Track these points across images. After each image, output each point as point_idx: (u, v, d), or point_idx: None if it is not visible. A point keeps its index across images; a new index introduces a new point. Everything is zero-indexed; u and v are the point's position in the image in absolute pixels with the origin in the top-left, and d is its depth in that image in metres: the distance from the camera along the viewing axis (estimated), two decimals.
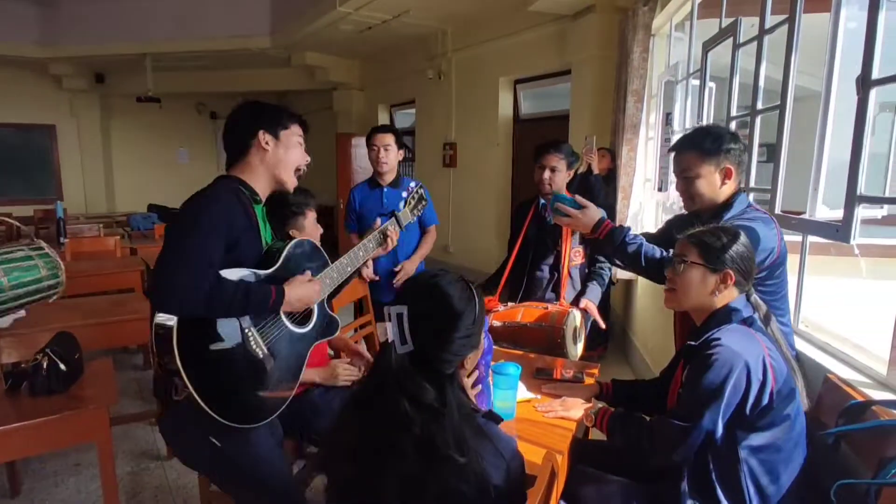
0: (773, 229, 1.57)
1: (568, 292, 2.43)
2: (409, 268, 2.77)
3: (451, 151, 6.61)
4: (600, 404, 1.53)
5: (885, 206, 2.09)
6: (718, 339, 1.30)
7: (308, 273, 1.51)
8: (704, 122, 3.15)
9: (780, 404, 1.29)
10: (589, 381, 1.82)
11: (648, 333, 3.62)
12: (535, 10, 4.68)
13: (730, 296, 1.39)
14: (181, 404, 1.31)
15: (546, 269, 2.48)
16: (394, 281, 2.74)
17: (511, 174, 6.11)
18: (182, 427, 1.42)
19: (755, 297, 1.45)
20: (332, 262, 1.62)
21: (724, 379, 1.25)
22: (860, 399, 1.38)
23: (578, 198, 1.74)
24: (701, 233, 1.41)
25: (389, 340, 1.02)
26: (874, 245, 2.80)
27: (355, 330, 2.65)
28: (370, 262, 2.72)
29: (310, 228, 1.95)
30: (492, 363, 1.58)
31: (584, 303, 2.35)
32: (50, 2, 7.25)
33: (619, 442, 1.44)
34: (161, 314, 1.25)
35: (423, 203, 1.93)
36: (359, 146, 7.98)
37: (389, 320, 1.00)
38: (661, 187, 4.17)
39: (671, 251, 1.53)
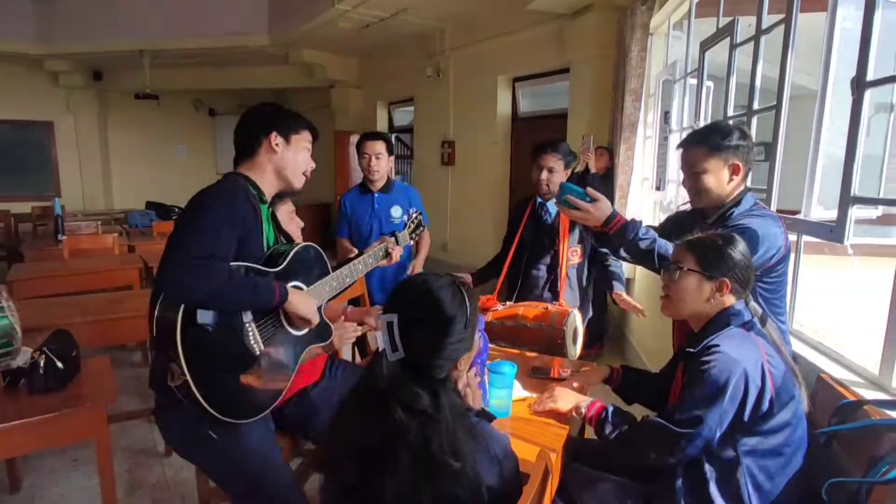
0: (779, 226, 1.58)
1: (566, 292, 2.44)
2: (417, 263, 2.81)
3: (450, 150, 6.61)
4: (589, 399, 1.52)
5: (880, 207, 2.09)
6: (717, 345, 1.29)
7: (307, 291, 1.53)
8: (702, 122, 3.16)
9: (779, 410, 1.28)
10: (601, 371, 1.83)
11: (645, 333, 3.64)
12: (534, 9, 4.68)
13: (726, 303, 1.38)
14: (176, 398, 1.30)
15: (543, 268, 2.49)
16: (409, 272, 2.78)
17: (509, 172, 6.11)
18: (178, 419, 1.42)
19: (754, 302, 1.44)
20: (333, 271, 1.63)
21: (723, 386, 1.25)
22: (852, 398, 1.39)
23: (591, 190, 1.61)
24: (698, 239, 1.40)
25: (380, 349, 1.01)
26: (868, 244, 2.81)
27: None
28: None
29: (285, 221, 1.96)
30: (487, 362, 1.59)
31: (618, 294, 2.41)
32: None
33: (610, 438, 1.43)
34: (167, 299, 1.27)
35: (422, 229, 2.03)
36: (355, 150, 7.96)
37: (379, 329, 1.00)
38: (659, 186, 4.18)
39: None
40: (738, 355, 1.27)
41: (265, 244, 1.48)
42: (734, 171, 1.61)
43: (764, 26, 2.32)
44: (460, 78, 6.35)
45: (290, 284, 1.46)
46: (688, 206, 1.82)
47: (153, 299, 1.32)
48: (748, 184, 2.36)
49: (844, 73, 1.74)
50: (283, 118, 1.53)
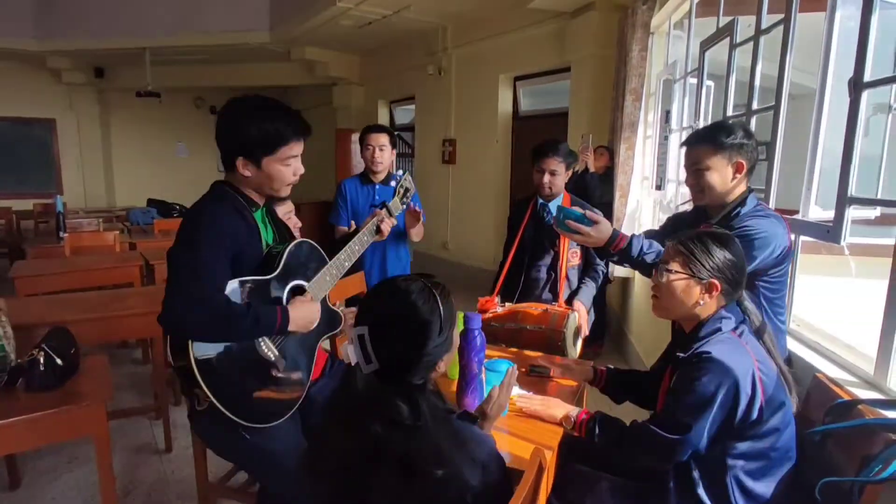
0: (783, 226, 1.58)
1: (566, 294, 2.44)
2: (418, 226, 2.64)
3: (451, 148, 6.61)
4: (578, 409, 1.52)
5: (878, 207, 2.09)
6: (708, 353, 1.28)
7: (308, 295, 1.52)
8: (702, 121, 3.16)
9: (769, 416, 1.28)
10: (586, 365, 1.84)
11: (645, 331, 3.64)
12: (535, 8, 4.68)
13: (717, 305, 1.37)
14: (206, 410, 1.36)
15: (543, 269, 2.49)
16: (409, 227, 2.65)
17: (510, 171, 6.12)
18: (213, 425, 1.45)
19: (748, 303, 1.42)
20: (330, 260, 1.63)
21: (713, 395, 1.24)
22: (847, 398, 1.40)
23: (589, 213, 1.65)
24: (688, 238, 1.37)
25: (353, 363, 0.99)
26: (865, 245, 2.81)
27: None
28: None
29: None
30: (485, 360, 1.60)
31: (576, 304, 2.37)
32: None
33: (598, 444, 1.44)
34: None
35: (411, 192, 1.94)
36: (358, 142, 7.96)
37: (351, 343, 0.98)
38: (660, 186, 4.18)
39: None
40: (730, 364, 1.25)
41: (263, 247, 1.48)
42: (738, 169, 1.61)
43: (763, 26, 2.32)
44: (461, 76, 6.35)
45: (290, 284, 1.48)
46: (688, 206, 1.83)
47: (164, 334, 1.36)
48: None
49: (846, 72, 1.74)
50: (250, 140, 1.36)
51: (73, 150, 9.50)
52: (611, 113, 4.33)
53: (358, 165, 8.16)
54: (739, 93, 2.71)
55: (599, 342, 4.03)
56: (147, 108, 9.56)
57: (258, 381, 1.41)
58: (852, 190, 1.65)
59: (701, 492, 1.31)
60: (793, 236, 2.04)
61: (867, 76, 1.61)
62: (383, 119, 8.28)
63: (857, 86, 1.62)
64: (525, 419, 1.55)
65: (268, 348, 1.43)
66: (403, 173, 1.96)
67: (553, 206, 2.46)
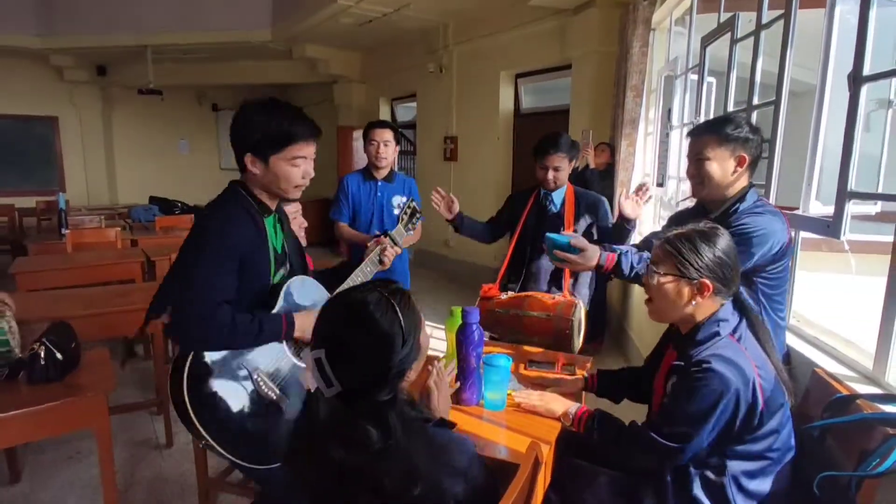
0: (782, 222, 1.57)
1: (570, 284, 2.43)
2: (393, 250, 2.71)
3: (452, 145, 6.61)
4: (577, 405, 1.52)
5: (879, 203, 2.09)
6: (709, 363, 1.24)
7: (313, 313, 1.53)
8: (703, 117, 3.15)
9: (768, 420, 1.27)
10: (580, 373, 1.84)
11: (645, 327, 3.64)
12: (536, 5, 4.68)
13: (711, 305, 1.33)
14: None
15: (546, 259, 2.48)
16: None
17: (511, 168, 6.11)
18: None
19: (744, 297, 1.40)
20: (333, 292, 1.60)
21: (713, 407, 1.22)
22: (846, 393, 1.40)
23: (574, 240, 1.69)
24: (676, 238, 1.34)
25: (313, 390, 0.94)
26: (864, 242, 2.81)
27: None
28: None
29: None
30: (483, 354, 1.60)
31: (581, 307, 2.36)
32: None
33: (596, 442, 1.43)
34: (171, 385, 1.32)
35: (417, 216, 1.91)
36: (360, 139, 7.94)
37: (309, 367, 0.92)
38: (661, 182, 4.18)
39: None
40: (731, 376, 1.22)
41: (270, 253, 1.48)
42: (739, 162, 1.61)
43: (764, 21, 2.32)
44: (463, 74, 6.35)
45: (298, 312, 1.48)
46: (687, 203, 1.83)
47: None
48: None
49: (847, 67, 1.73)
50: (259, 136, 1.38)
51: (76, 148, 9.52)
52: (612, 110, 4.32)
53: (359, 163, 8.17)
54: (740, 89, 2.70)
55: (599, 339, 4.03)
56: (149, 106, 9.59)
57: (260, 419, 1.40)
58: (852, 184, 1.65)
59: (698, 490, 1.30)
60: (793, 233, 2.04)
61: (866, 70, 1.60)
62: (384, 116, 8.27)
63: (856, 80, 1.62)
64: (523, 414, 1.56)
65: (268, 388, 1.41)
66: (409, 199, 1.93)
67: (557, 196, 2.46)
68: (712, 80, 3.27)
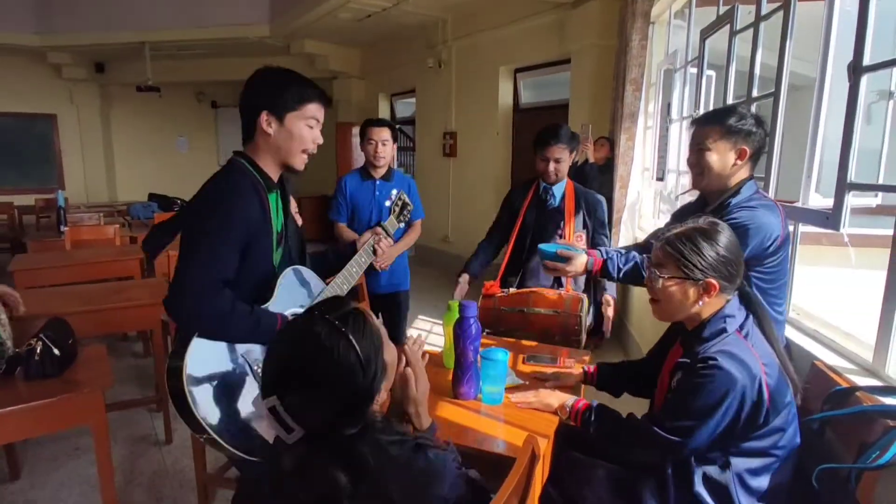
0: (777, 216, 1.56)
1: (571, 280, 2.40)
2: (390, 252, 2.61)
3: (452, 141, 6.59)
4: (573, 398, 1.51)
5: (880, 195, 2.08)
6: (715, 360, 1.22)
7: None
8: (702, 110, 3.14)
9: (774, 418, 1.26)
10: (578, 367, 1.83)
11: (645, 324, 3.63)
12: None
13: (718, 302, 1.31)
14: None
15: None
16: (378, 264, 2.65)
17: (511, 163, 6.10)
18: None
19: (750, 290, 1.39)
20: (329, 283, 1.59)
21: (718, 404, 1.21)
22: (845, 385, 1.39)
23: (560, 251, 1.79)
24: (676, 238, 1.31)
25: (272, 442, 0.88)
26: (864, 235, 2.80)
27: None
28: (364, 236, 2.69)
29: None
30: (481, 349, 1.59)
31: (607, 298, 2.33)
32: None
33: (594, 436, 1.43)
34: (168, 384, 1.28)
35: (409, 208, 1.91)
36: (358, 135, 7.94)
37: (264, 418, 0.86)
38: (661, 177, 4.17)
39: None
40: (737, 374, 1.21)
41: (273, 235, 1.44)
42: (740, 155, 1.59)
43: (763, 12, 2.30)
44: (462, 69, 6.33)
45: (288, 312, 1.45)
46: (687, 197, 1.82)
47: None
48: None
49: (847, 60, 1.72)
50: (277, 92, 1.38)
51: (75, 146, 9.50)
52: (611, 103, 4.30)
53: (359, 159, 8.15)
54: (740, 82, 2.69)
55: (599, 334, 4.01)
56: (148, 103, 9.56)
57: (260, 411, 1.35)
58: (852, 176, 1.64)
59: (699, 486, 1.29)
60: (791, 226, 2.03)
61: (866, 60, 1.58)
62: (384, 112, 8.26)
63: (856, 70, 1.61)
64: (522, 409, 1.55)
65: None
66: (398, 192, 1.94)
67: (558, 190, 2.44)
68: (712, 73, 3.25)
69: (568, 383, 1.71)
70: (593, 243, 2.47)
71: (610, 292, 2.35)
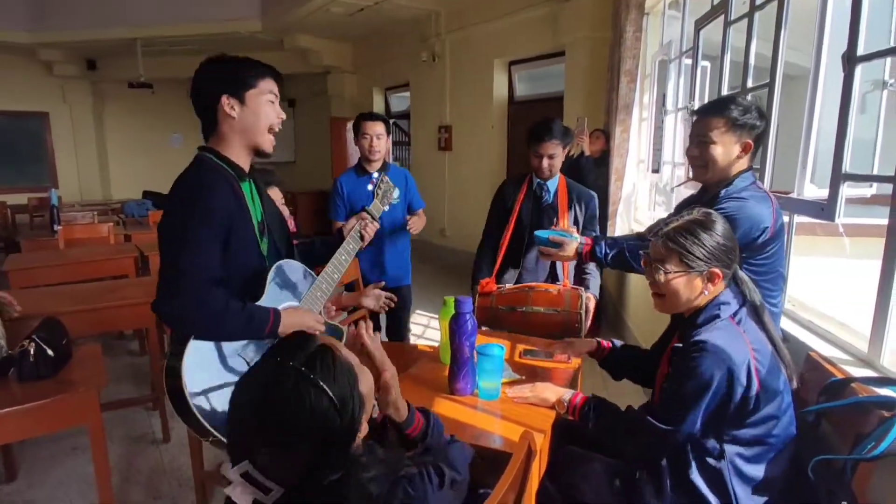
0: (768, 207, 1.55)
1: (570, 272, 2.40)
2: (418, 224, 2.76)
3: (447, 135, 6.57)
4: (571, 392, 1.51)
5: (875, 185, 2.07)
6: (704, 342, 1.25)
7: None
8: (697, 102, 3.13)
9: (765, 405, 1.27)
10: (576, 361, 1.83)
11: (642, 315, 3.63)
12: None
13: (718, 290, 1.34)
14: None
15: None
16: (414, 231, 2.75)
17: (506, 156, 6.08)
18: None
19: (750, 284, 1.39)
20: (319, 274, 1.57)
21: (707, 384, 1.23)
22: (841, 376, 1.39)
23: (552, 237, 1.89)
24: (676, 232, 1.32)
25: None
26: (859, 225, 2.80)
27: (347, 313, 2.66)
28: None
29: None
30: (476, 344, 1.59)
31: (588, 296, 2.32)
32: None
33: (591, 430, 1.43)
34: (167, 387, 1.26)
35: (392, 190, 1.88)
36: (353, 130, 7.91)
37: (237, 486, 0.78)
38: (657, 169, 4.16)
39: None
40: (724, 353, 1.23)
41: (254, 225, 1.42)
42: (745, 148, 1.58)
43: (757, 2, 2.29)
44: (456, 62, 6.30)
45: (281, 307, 1.42)
46: (682, 189, 1.82)
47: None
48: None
49: (842, 49, 1.71)
50: (231, 75, 1.36)
51: (68, 143, 9.44)
52: (606, 95, 4.29)
53: (353, 155, 8.13)
54: (734, 73, 2.68)
55: (596, 325, 4.02)
56: (140, 100, 9.50)
57: None
58: (846, 166, 1.64)
59: (695, 475, 1.30)
60: (786, 217, 2.02)
61: (861, 50, 1.58)
62: (378, 107, 8.22)
63: (850, 60, 1.60)
64: (519, 404, 1.55)
65: None
66: (379, 174, 1.91)
67: (552, 185, 2.44)
68: (707, 63, 3.24)
69: (577, 351, 1.72)
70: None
71: (592, 291, 2.34)
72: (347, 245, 1.65)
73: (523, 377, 1.70)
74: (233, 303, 1.30)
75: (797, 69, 3.29)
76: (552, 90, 5.50)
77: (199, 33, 7.13)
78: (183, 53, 8.42)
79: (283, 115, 1.46)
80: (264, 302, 1.39)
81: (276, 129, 1.44)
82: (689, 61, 3.30)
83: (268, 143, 1.43)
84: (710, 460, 1.29)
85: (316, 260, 1.65)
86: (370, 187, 2.73)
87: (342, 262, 1.61)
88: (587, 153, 3.99)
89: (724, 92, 2.68)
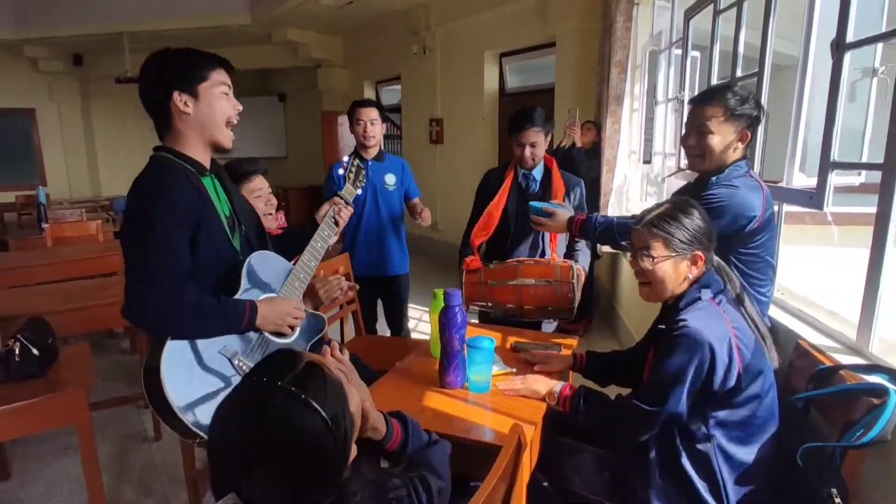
0: (758, 196, 1.55)
1: (559, 250, 2.36)
2: (425, 216, 2.79)
3: (438, 127, 6.54)
4: (561, 384, 1.52)
5: (863, 173, 2.08)
6: (684, 320, 1.28)
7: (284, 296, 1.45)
8: (687, 92, 3.12)
9: (748, 384, 1.28)
10: (566, 352, 1.83)
11: (634, 306, 3.64)
12: None
13: (701, 272, 1.38)
14: None
15: (529, 242, 2.44)
16: (424, 223, 2.79)
17: (498, 149, 6.06)
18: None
19: (729, 270, 1.42)
20: (295, 263, 1.53)
21: (688, 362, 1.25)
22: (829, 364, 1.40)
23: (545, 206, 1.94)
24: (659, 218, 1.36)
25: None
26: (848, 213, 2.81)
27: (340, 307, 2.65)
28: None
29: (258, 201, 1.91)
30: (467, 337, 1.58)
31: (578, 268, 2.31)
32: None
33: (582, 421, 1.44)
34: (146, 385, 1.22)
35: (363, 173, 1.84)
36: (344, 124, 7.80)
37: None
38: (648, 160, 4.16)
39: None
40: (705, 331, 1.25)
41: (222, 220, 1.37)
42: (741, 138, 1.58)
43: None
44: (447, 54, 6.26)
45: (260, 298, 1.39)
46: (674, 179, 1.81)
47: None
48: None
49: (831, 37, 1.70)
50: (180, 69, 1.30)
51: (55, 140, 9.32)
52: (597, 87, 4.27)
53: (345, 149, 8.09)
54: (724, 63, 2.67)
55: (588, 318, 4.03)
56: (128, 95, 9.28)
57: None
58: (835, 155, 1.64)
59: (684, 461, 1.31)
60: (776, 206, 2.02)
61: (850, 37, 1.57)
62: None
63: (839, 47, 1.59)
64: (510, 396, 1.55)
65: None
66: (350, 158, 1.87)
67: (537, 173, 2.41)
68: (697, 53, 3.23)
69: (558, 368, 1.71)
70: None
71: (581, 263, 2.30)
72: (322, 232, 1.60)
73: (514, 370, 1.70)
74: (206, 299, 1.26)
75: (787, 59, 3.29)
76: (543, 82, 5.48)
77: (186, 27, 7.05)
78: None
79: (240, 107, 1.40)
80: (241, 295, 1.36)
81: (234, 122, 1.39)
82: (678, 51, 3.29)
83: (226, 137, 1.38)
84: (698, 445, 1.31)
85: (292, 250, 1.60)
86: (369, 174, 2.72)
87: (318, 249, 1.57)
88: (579, 145, 3.98)
89: (714, 82, 2.67)
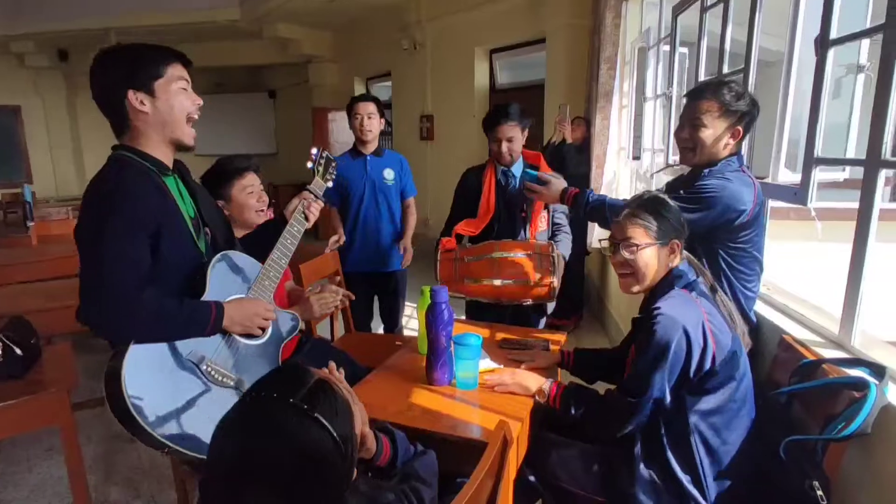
0: (750, 191, 1.56)
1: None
2: (405, 244, 2.82)
3: (429, 124, 6.53)
4: (550, 381, 1.52)
5: (848, 169, 2.09)
6: (659, 307, 1.32)
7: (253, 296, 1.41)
8: (675, 88, 3.13)
9: (723, 368, 1.31)
10: (554, 349, 1.84)
11: (624, 302, 3.66)
12: None
13: (676, 262, 1.42)
14: None
15: (513, 238, 2.42)
16: (404, 263, 2.83)
17: (488, 145, 6.05)
18: None
19: (699, 263, 1.47)
20: (265, 262, 1.48)
21: (665, 347, 1.27)
22: (812, 358, 1.41)
23: (540, 174, 1.89)
24: (639, 210, 1.41)
25: None
26: (831, 208, 2.83)
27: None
28: (340, 231, 2.71)
29: (240, 198, 1.88)
30: (453, 334, 1.58)
31: (558, 252, 2.27)
32: None
33: (573, 417, 1.44)
34: (107, 393, 1.16)
35: (333, 165, 1.77)
36: (335, 120, 7.84)
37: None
38: (637, 156, 4.17)
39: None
40: (679, 315, 1.29)
41: (186, 220, 1.32)
42: (734, 135, 1.59)
43: None
44: (437, 50, 6.24)
45: (227, 299, 1.35)
46: (663, 175, 1.82)
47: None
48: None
49: (816, 34, 1.71)
50: (133, 67, 1.24)
51: (41, 137, 9.22)
52: (586, 83, 4.28)
53: (335, 145, 8.04)
54: (711, 59, 2.67)
55: (579, 314, 4.05)
56: None
57: (218, 408, 1.19)
58: (819, 151, 1.65)
59: (669, 454, 1.32)
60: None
61: (834, 34, 1.58)
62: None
63: (823, 43, 1.60)
64: (496, 392, 1.55)
65: (223, 375, 1.30)
66: (319, 150, 1.83)
67: (517, 170, 2.37)
68: (685, 50, 3.24)
69: (545, 365, 1.71)
70: (552, 221, 2.42)
71: (561, 249, 2.26)
72: (291, 227, 1.55)
73: (501, 366, 1.70)
74: (167, 302, 1.21)
75: (773, 55, 3.30)
76: (533, 78, 5.48)
77: (175, 22, 6.98)
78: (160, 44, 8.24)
79: (200, 101, 1.35)
80: (208, 297, 1.31)
81: (195, 118, 1.34)
82: (667, 48, 3.30)
83: (188, 135, 1.33)
84: (679, 437, 1.32)
85: (262, 248, 1.54)
86: (368, 169, 2.75)
87: (287, 245, 1.52)
88: (569, 141, 3.99)
89: (702, 78, 2.68)
